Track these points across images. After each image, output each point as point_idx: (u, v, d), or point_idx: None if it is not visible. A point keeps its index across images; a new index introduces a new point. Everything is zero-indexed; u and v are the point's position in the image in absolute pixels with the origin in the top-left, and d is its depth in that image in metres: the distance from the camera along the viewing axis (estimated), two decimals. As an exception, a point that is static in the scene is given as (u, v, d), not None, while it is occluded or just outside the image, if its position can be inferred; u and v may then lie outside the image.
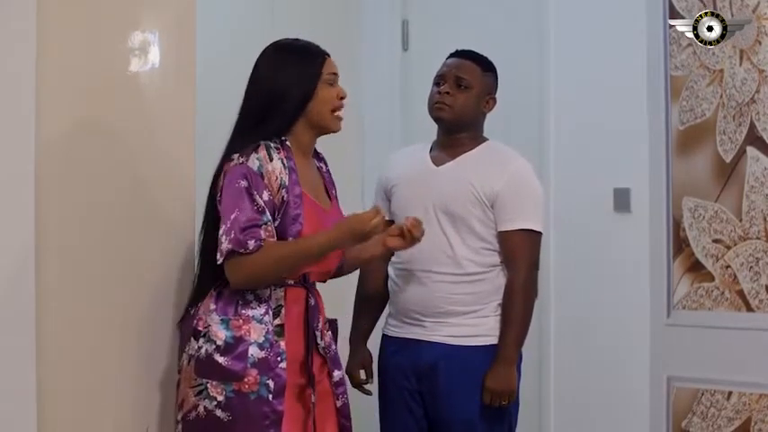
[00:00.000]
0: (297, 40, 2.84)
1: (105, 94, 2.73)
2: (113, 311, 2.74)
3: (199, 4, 2.99)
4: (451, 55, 3.32)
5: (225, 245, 2.62)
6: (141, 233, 2.82)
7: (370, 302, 3.38)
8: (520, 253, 3.18)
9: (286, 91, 2.74)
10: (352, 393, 3.01)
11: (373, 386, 3.38)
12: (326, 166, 2.93)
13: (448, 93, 3.22)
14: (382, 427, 3.34)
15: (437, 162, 3.28)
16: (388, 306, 3.36)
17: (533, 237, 3.21)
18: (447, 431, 3.19)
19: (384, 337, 3.34)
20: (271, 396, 2.66)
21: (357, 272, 3.40)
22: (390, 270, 3.31)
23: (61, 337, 2.59)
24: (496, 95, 3.31)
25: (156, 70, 2.85)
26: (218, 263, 2.65)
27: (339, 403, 2.84)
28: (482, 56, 3.31)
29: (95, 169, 2.70)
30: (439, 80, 3.27)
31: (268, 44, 2.84)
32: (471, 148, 3.26)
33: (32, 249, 2.50)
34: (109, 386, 2.73)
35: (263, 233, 2.63)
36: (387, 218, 3.33)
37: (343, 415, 2.84)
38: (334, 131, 2.83)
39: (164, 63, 2.86)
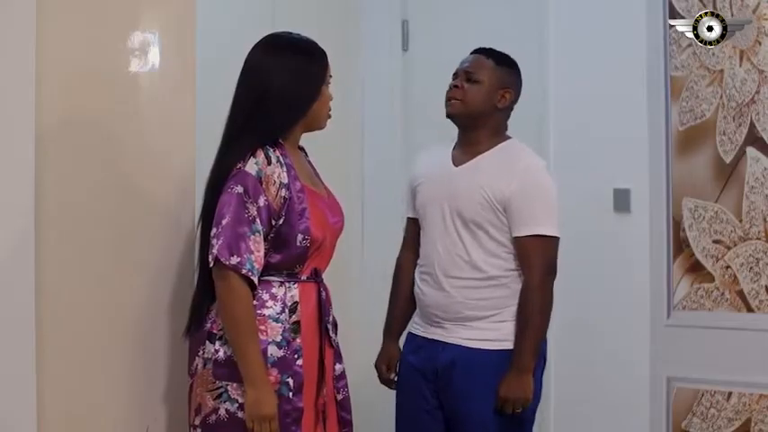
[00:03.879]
0: (291, 34, 2.82)
1: (105, 95, 2.73)
2: (113, 311, 2.74)
3: (199, 4, 2.99)
4: (472, 51, 3.30)
5: (215, 249, 2.61)
6: (141, 233, 2.82)
7: (404, 299, 3.37)
8: (534, 258, 3.13)
9: (294, 92, 2.72)
10: (352, 388, 3.00)
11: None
12: (307, 154, 2.93)
13: (457, 86, 3.22)
14: (399, 421, 3.34)
15: (456, 162, 3.26)
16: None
17: (548, 241, 3.15)
18: (463, 430, 3.20)
19: (409, 334, 3.36)
20: (291, 394, 2.67)
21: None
22: (416, 273, 3.32)
23: (61, 337, 2.59)
24: (516, 91, 3.27)
25: (156, 70, 2.85)
26: (210, 266, 2.64)
27: (340, 396, 2.85)
28: (500, 52, 3.28)
29: (95, 169, 2.70)
30: (454, 77, 3.27)
31: (262, 38, 2.80)
32: (489, 148, 3.23)
33: (32, 248, 2.50)
34: (109, 385, 2.74)
35: (251, 245, 2.62)
36: (413, 215, 3.35)
37: (344, 408, 2.86)
38: (321, 129, 2.84)
39: (164, 63, 2.86)
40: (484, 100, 3.21)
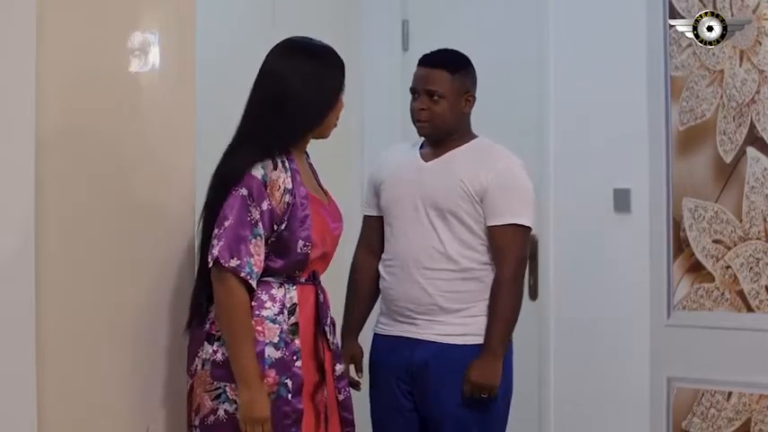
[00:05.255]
0: (312, 40, 2.81)
1: (105, 95, 2.73)
2: (113, 311, 2.74)
3: (199, 4, 2.98)
4: (420, 62, 3.28)
5: (215, 250, 2.62)
6: (141, 233, 2.82)
7: (362, 298, 3.38)
8: (508, 247, 3.18)
9: (314, 99, 2.72)
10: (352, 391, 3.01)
11: (363, 382, 3.37)
12: (308, 156, 2.92)
13: (423, 109, 3.22)
14: (374, 422, 3.35)
15: (426, 158, 3.28)
16: (379, 304, 3.37)
17: (523, 231, 3.21)
18: (439, 429, 3.20)
19: (375, 335, 3.35)
20: (290, 395, 2.68)
21: (347, 267, 3.41)
22: (380, 267, 3.31)
23: (61, 337, 2.59)
24: (475, 87, 3.28)
25: (156, 70, 2.85)
26: (209, 266, 2.65)
27: (341, 397, 2.86)
28: (450, 56, 3.27)
29: (95, 169, 2.70)
30: (413, 92, 3.27)
31: (281, 41, 2.80)
32: (460, 145, 3.26)
33: (32, 249, 2.50)
34: (109, 386, 2.74)
35: (252, 248, 2.62)
36: (375, 213, 3.35)
37: (345, 408, 2.86)
38: (326, 138, 2.84)
39: (164, 63, 2.86)
40: (452, 113, 3.23)
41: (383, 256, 3.30)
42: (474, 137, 3.30)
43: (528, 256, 3.27)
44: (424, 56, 3.29)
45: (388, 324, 3.29)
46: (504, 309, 3.17)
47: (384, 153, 3.49)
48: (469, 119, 3.31)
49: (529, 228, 3.22)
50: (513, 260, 3.18)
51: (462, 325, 3.19)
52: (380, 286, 3.31)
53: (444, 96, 3.21)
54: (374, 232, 3.35)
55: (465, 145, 3.27)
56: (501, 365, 3.17)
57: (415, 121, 3.26)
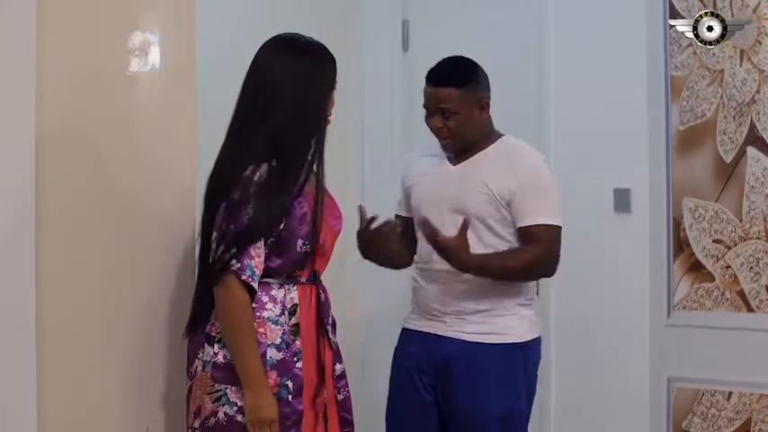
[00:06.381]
0: (302, 36, 2.78)
1: (105, 95, 2.72)
2: (113, 312, 2.73)
3: (199, 4, 2.98)
4: (427, 80, 3.23)
5: (217, 255, 2.61)
6: (141, 234, 2.81)
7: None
8: (540, 240, 3.17)
9: (305, 101, 2.69)
10: (352, 387, 3.00)
11: (384, 376, 3.38)
12: None
13: (440, 127, 3.20)
14: (389, 413, 3.36)
15: (453, 161, 3.28)
16: (410, 303, 3.38)
17: (554, 230, 3.21)
18: (459, 424, 3.21)
19: (403, 329, 3.37)
20: (290, 396, 2.67)
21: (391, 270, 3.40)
22: (413, 269, 3.34)
23: (61, 337, 2.59)
24: (488, 91, 3.26)
25: (156, 70, 2.85)
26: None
27: (340, 396, 2.85)
28: (455, 68, 3.23)
29: (95, 169, 2.70)
30: (428, 113, 3.24)
31: (271, 38, 2.78)
32: (485, 147, 3.26)
33: (32, 250, 2.50)
34: (109, 386, 2.74)
35: (251, 251, 2.61)
36: (404, 214, 3.37)
37: (345, 408, 2.86)
38: None
39: (164, 63, 2.86)
40: (470, 125, 3.21)
41: (416, 258, 3.33)
42: (499, 136, 3.29)
43: (559, 254, 3.23)
44: (431, 72, 3.24)
45: (416, 320, 3.32)
46: (517, 257, 3.17)
47: (413, 155, 3.48)
48: (491, 119, 3.29)
49: (559, 227, 3.22)
50: (546, 247, 3.17)
51: (489, 324, 3.20)
52: (411, 286, 3.34)
53: (456, 112, 3.18)
54: (405, 230, 3.32)
55: (490, 147, 3.26)
56: (467, 266, 3.10)
57: (438, 139, 3.25)
